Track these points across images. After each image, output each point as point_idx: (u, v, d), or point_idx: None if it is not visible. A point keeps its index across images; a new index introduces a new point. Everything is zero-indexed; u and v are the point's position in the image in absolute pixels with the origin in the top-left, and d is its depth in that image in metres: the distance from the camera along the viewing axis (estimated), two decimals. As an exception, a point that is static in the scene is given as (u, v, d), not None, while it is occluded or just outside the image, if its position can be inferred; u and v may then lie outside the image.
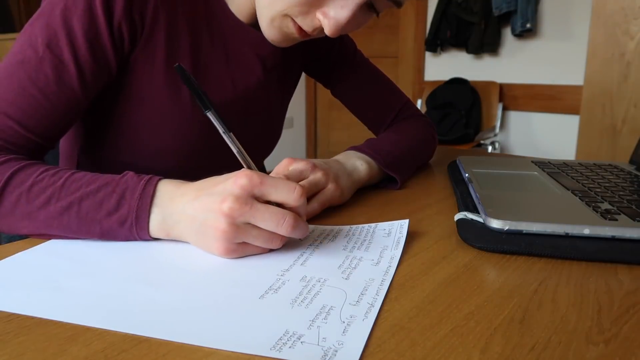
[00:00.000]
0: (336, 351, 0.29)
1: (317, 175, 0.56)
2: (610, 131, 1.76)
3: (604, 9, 1.72)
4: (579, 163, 0.76)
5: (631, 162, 0.78)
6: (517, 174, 0.69)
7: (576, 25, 2.46)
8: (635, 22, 1.66)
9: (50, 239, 0.47)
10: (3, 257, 0.43)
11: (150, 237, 0.46)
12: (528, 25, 2.49)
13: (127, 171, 0.48)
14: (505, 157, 0.82)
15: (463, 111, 2.71)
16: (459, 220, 0.51)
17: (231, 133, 0.46)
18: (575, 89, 2.44)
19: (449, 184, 0.72)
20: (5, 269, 0.41)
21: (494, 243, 0.45)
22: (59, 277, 0.39)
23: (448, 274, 0.41)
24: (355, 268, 0.41)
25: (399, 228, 0.50)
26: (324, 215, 0.57)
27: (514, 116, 2.76)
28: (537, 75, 2.63)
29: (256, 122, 0.72)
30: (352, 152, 0.67)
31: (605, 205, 0.52)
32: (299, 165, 0.56)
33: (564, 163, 0.76)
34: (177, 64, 0.45)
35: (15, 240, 0.48)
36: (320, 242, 0.47)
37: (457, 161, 0.78)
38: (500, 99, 2.74)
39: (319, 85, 3.64)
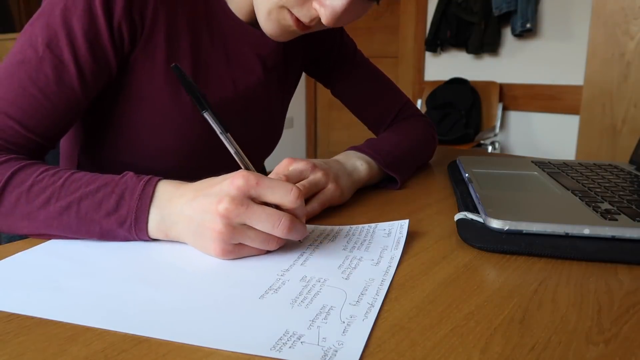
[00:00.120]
0: (336, 351, 0.29)
1: (317, 175, 0.56)
2: (610, 131, 1.76)
3: (604, 9, 1.72)
4: (579, 163, 0.76)
5: (631, 162, 0.78)
6: (517, 174, 0.69)
7: (576, 25, 2.46)
8: (635, 22, 1.66)
9: (50, 239, 0.47)
10: (3, 257, 0.43)
11: (149, 237, 0.46)
12: (528, 25, 2.49)
13: (126, 171, 0.48)
14: (505, 157, 0.82)
15: (463, 111, 2.71)
16: (459, 220, 0.51)
17: (228, 133, 0.46)
18: (575, 89, 2.44)
19: (449, 184, 0.72)
20: (5, 269, 0.41)
21: (494, 243, 0.45)
22: (59, 277, 0.39)
23: (448, 274, 0.41)
24: (355, 268, 0.41)
25: (399, 228, 0.50)
26: (324, 215, 0.57)
27: (514, 116, 2.76)
28: (537, 75, 2.63)
29: (257, 122, 0.72)
30: (352, 152, 0.67)
31: (605, 205, 0.52)
32: (299, 165, 0.56)
33: (564, 163, 0.76)
34: (173, 64, 0.45)
35: (15, 240, 0.48)
36: (320, 242, 0.47)
37: (457, 161, 0.78)
38: (500, 99, 2.74)
39: (319, 85, 3.64)
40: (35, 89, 0.51)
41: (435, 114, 2.74)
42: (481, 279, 0.40)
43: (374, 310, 0.34)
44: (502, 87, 2.74)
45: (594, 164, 0.76)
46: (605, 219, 0.47)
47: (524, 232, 0.47)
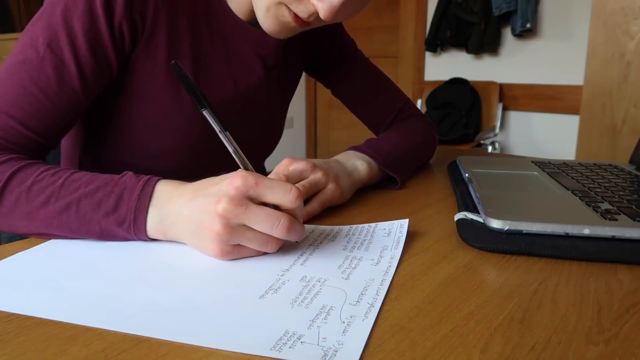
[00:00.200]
0: (336, 351, 0.29)
1: (317, 175, 0.56)
2: (610, 131, 1.76)
3: (604, 9, 1.72)
4: (579, 163, 0.76)
5: (631, 162, 0.78)
6: (517, 174, 0.69)
7: (576, 25, 2.46)
8: (635, 22, 1.66)
9: (50, 238, 0.47)
10: (3, 257, 0.43)
11: (148, 237, 0.46)
12: (528, 25, 2.49)
13: (126, 171, 0.47)
14: (505, 157, 0.82)
15: (463, 111, 2.71)
16: (459, 220, 0.51)
17: (227, 132, 0.46)
18: (575, 89, 2.44)
19: (449, 184, 0.72)
20: (5, 269, 0.41)
21: (494, 243, 0.45)
22: (59, 277, 0.39)
23: (448, 274, 0.41)
24: (355, 268, 0.41)
25: (399, 228, 0.50)
26: (324, 215, 0.57)
27: (514, 116, 2.76)
28: (537, 75, 2.63)
29: (257, 122, 0.72)
30: (352, 152, 0.67)
31: (605, 205, 0.52)
32: (299, 165, 0.56)
33: (564, 163, 0.76)
34: (173, 61, 0.45)
35: (15, 240, 0.48)
36: (320, 242, 0.47)
37: (457, 161, 0.78)
38: (500, 99, 2.74)
39: (319, 85, 3.64)
40: (36, 89, 0.51)
41: (435, 114, 2.74)
42: (481, 279, 0.40)
43: (374, 310, 0.34)
44: (502, 87, 2.74)
45: (594, 164, 0.76)
46: (605, 219, 0.47)
47: (524, 232, 0.47)
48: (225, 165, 0.52)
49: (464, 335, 0.31)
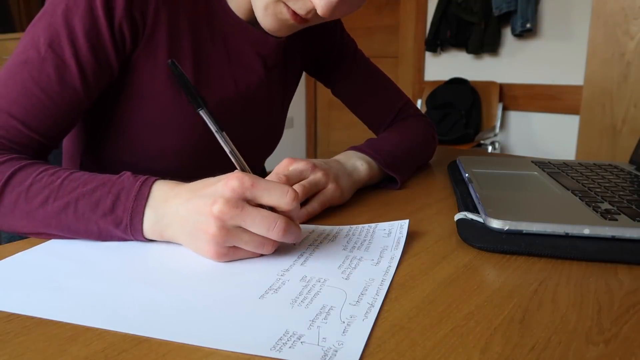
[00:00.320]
0: (336, 351, 0.29)
1: (317, 175, 0.56)
2: (610, 131, 1.76)
3: (604, 9, 1.72)
4: (579, 163, 0.76)
5: (631, 162, 0.78)
6: (517, 174, 0.69)
7: (576, 25, 2.46)
8: (635, 22, 1.66)
9: (50, 238, 0.47)
10: (3, 257, 0.43)
11: (145, 238, 0.45)
12: (528, 25, 2.49)
13: (124, 171, 0.47)
14: (505, 157, 0.82)
15: (463, 111, 2.71)
16: (459, 220, 0.51)
17: (224, 132, 0.45)
18: (575, 89, 2.44)
19: (449, 184, 0.72)
20: (5, 269, 0.41)
21: (494, 243, 0.45)
22: (59, 277, 0.39)
23: (448, 274, 0.41)
24: (355, 268, 0.41)
25: (399, 228, 0.50)
26: (324, 215, 0.57)
27: (514, 116, 2.76)
28: (537, 75, 2.63)
29: (258, 122, 0.72)
30: (352, 152, 0.67)
31: (605, 205, 0.52)
32: (299, 165, 0.56)
33: (564, 163, 0.76)
34: (170, 60, 0.45)
35: (15, 240, 0.48)
36: (320, 242, 0.47)
37: (457, 161, 0.78)
38: (500, 99, 2.74)
39: (319, 85, 3.64)
40: (38, 89, 0.51)
41: (435, 114, 2.74)
42: (481, 279, 0.40)
43: (374, 310, 0.34)
44: (502, 87, 2.74)
45: (594, 164, 0.76)
46: (605, 219, 0.47)
47: (524, 232, 0.47)
48: (226, 166, 0.52)
49: (464, 335, 0.31)
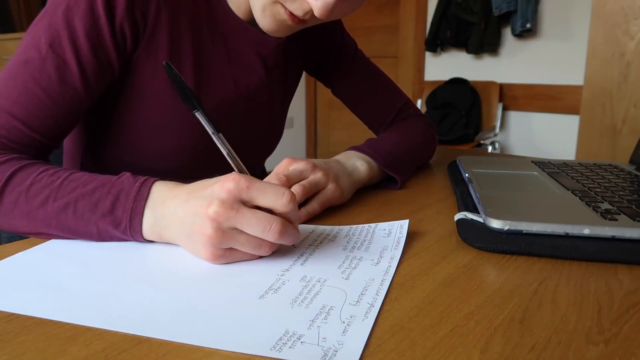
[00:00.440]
0: (336, 351, 0.29)
1: (317, 175, 0.56)
2: (610, 131, 1.76)
3: (604, 9, 1.72)
4: (579, 163, 0.76)
5: (631, 162, 0.78)
6: (517, 174, 0.69)
7: (576, 25, 2.46)
8: (635, 22, 1.66)
9: (50, 238, 0.47)
10: (3, 257, 0.43)
11: (144, 239, 0.45)
12: (528, 25, 2.49)
13: (124, 172, 0.47)
14: (505, 157, 0.82)
15: (463, 111, 2.71)
16: (459, 220, 0.51)
17: (220, 134, 0.45)
18: (575, 89, 2.44)
19: (449, 184, 0.72)
20: (5, 269, 0.41)
21: (494, 243, 0.45)
22: (59, 277, 0.39)
23: (448, 274, 0.41)
24: (355, 268, 0.41)
25: (399, 228, 0.50)
26: (324, 215, 0.57)
27: (514, 116, 2.76)
28: (537, 75, 2.63)
29: (258, 122, 0.72)
30: (352, 152, 0.67)
31: (605, 205, 0.52)
32: (299, 166, 0.56)
33: (564, 163, 0.76)
34: (165, 62, 0.45)
35: (15, 240, 0.48)
36: (320, 242, 0.47)
37: (457, 161, 0.78)
38: (500, 99, 2.74)
39: (319, 85, 3.64)
40: (39, 89, 0.51)
41: (435, 114, 2.74)
42: (481, 279, 0.40)
43: (374, 310, 0.34)
44: (502, 87, 2.74)
45: (594, 164, 0.76)
46: (605, 219, 0.47)
47: (524, 232, 0.47)
48: (226, 166, 0.52)
49: (464, 335, 0.31)
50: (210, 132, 0.45)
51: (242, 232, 0.41)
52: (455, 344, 0.30)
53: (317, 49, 0.79)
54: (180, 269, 0.41)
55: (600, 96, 1.77)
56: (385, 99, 0.83)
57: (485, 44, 2.68)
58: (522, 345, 0.30)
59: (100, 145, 0.65)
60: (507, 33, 2.67)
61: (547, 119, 2.64)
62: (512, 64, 2.71)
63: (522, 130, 2.75)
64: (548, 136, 2.66)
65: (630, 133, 1.72)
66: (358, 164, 0.65)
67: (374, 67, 0.84)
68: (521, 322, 0.33)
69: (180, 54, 0.60)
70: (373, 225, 0.52)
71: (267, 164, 0.89)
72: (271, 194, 0.41)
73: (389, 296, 0.37)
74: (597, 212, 0.50)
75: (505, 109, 2.76)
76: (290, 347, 0.29)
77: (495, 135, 2.74)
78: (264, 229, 0.40)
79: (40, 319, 0.33)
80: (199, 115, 0.44)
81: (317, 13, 0.52)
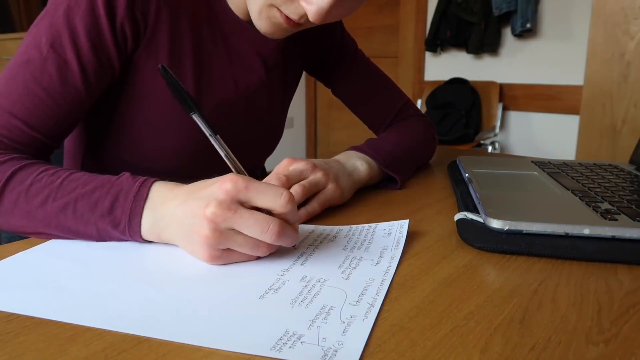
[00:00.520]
0: (336, 351, 0.29)
1: (317, 175, 0.56)
2: (610, 131, 1.76)
3: (604, 9, 1.72)
4: (579, 163, 0.76)
5: (631, 162, 0.78)
6: (517, 174, 0.69)
7: (576, 25, 2.46)
8: (635, 22, 1.66)
9: (50, 238, 0.47)
10: (3, 257, 0.43)
11: (143, 239, 0.45)
12: (528, 25, 2.49)
13: (124, 172, 0.47)
14: (505, 157, 0.82)
15: (463, 111, 2.71)
16: (459, 220, 0.51)
17: (218, 135, 0.45)
18: (575, 89, 2.44)
19: (449, 184, 0.72)
20: (5, 269, 0.41)
21: (494, 243, 0.45)
22: (59, 277, 0.39)
23: (448, 274, 0.41)
24: (355, 268, 0.41)
25: (399, 228, 0.50)
26: (324, 215, 0.57)
27: (514, 116, 2.76)
28: (537, 75, 2.63)
29: (258, 122, 0.72)
30: (352, 152, 0.67)
31: (605, 205, 0.52)
32: (299, 166, 0.56)
33: (564, 163, 0.76)
34: (160, 65, 0.45)
35: (15, 240, 0.48)
36: (320, 242, 0.47)
37: (457, 161, 0.78)
38: (500, 99, 2.74)
39: (319, 85, 3.64)
40: (40, 89, 0.52)
41: (435, 114, 2.74)
42: (481, 279, 0.40)
43: (374, 310, 0.34)
44: (502, 87, 2.74)
45: (594, 164, 0.76)
46: (605, 219, 0.47)
47: (524, 232, 0.47)
48: (226, 166, 0.52)
49: (464, 335, 0.31)
50: (207, 135, 0.45)
51: (239, 233, 0.40)
52: (455, 344, 0.30)
53: (317, 49, 0.79)
54: (181, 269, 0.41)
55: (600, 96, 1.77)
56: (385, 99, 0.83)
57: (485, 44, 2.68)
58: (522, 345, 0.30)
59: (100, 145, 0.65)
60: (507, 33, 2.68)
61: (547, 119, 2.64)
62: (512, 64, 2.71)
63: (522, 130, 2.75)
64: (548, 136, 2.66)
65: (630, 133, 1.72)
66: (358, 164, 0.65)
67: (374, 67, 0.84)
68: (521, 322, 0.33)
69: (181, 54, 0.60)
70: (373, 225, 0.52)
71: (267, 164, 0.89)
72: (269, 194, 0.41)
73: (389, 296, 0.37)
74: (597, 212, 0.50)
75: (505, 109, 2.76)
76: (290, 347, 0.29)
77: (495, 135, 2.74)
78: (261, 230, 0.40)
79: (40, 319, 0.33)
80: (195, 118, 0.44)
81: (311, 17, 0.53)
